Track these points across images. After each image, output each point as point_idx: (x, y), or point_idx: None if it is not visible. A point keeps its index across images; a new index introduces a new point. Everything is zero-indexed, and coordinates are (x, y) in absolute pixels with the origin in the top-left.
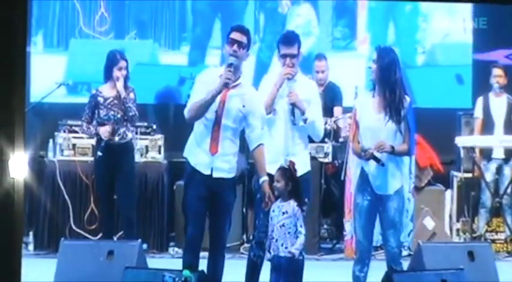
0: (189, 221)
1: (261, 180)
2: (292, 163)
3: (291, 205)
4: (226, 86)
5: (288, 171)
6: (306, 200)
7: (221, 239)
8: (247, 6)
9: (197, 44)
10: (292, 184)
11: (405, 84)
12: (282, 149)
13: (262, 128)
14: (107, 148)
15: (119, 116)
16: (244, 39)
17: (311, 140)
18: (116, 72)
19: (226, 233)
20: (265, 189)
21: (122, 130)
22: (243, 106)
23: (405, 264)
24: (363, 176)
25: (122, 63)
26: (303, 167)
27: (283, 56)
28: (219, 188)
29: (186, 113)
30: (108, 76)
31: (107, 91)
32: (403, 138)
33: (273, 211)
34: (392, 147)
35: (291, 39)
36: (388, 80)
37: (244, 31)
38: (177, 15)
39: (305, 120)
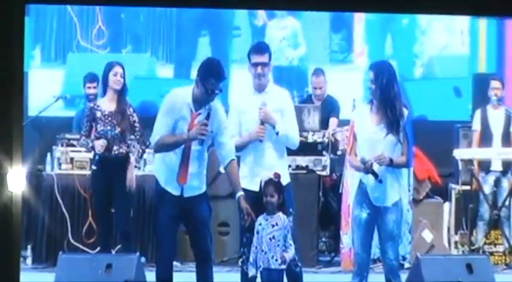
0: (162, 238)
1: (236, 196)
2: (278, 174)
3: (281, 217)
4: (200, 143)
5: (278, 184)
6: (291, 210)
7: (205, 253)
8: (234, 20)
9: (182, 58)
10: (282, 196)
11: (403, 96)
12: (257, 164)
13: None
14: (104, 162)
15: (116, 131)
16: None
17: (307, 153)
18: (111, 77)
19: (209, 245)
20: (242, 205)
21: (118, 145)
22: (211, 131)
23: (404, 277)
24: (361, 188)
25: (117, 68)
26: (284, 179)
27: (255, 65)
28: (191, 205)
29: (154, 145)
30: (105, 87)
31: (105, 105)
32: (402, 150)
33: (260, 224)
34: (391, 160)
35: (261, 48)
36: (388, 96)
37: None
38: (174, 29)
39: (277, 133)
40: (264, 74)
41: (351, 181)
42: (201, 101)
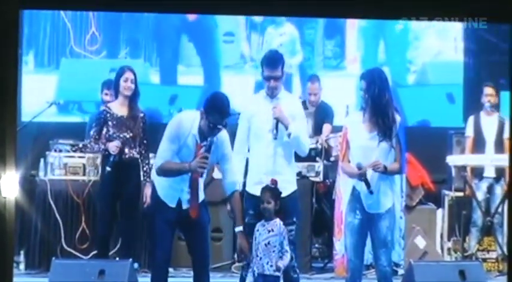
0: (158, 244)
1: (236, 230)
2: (274, 181)
3: (277, 223)
4: (200, 175)
5: (275, 190)
6: (295, 219)
7: (204, 259)
8: (226, 25)
9: (169, 64)
10: (279, 203)
11: (395, 102)
12: (265, 169)
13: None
14: (114, 165)
15: (127, 136)
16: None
17: (300, 159)
18: (122, 83)
19: (208, 252)
20: (240, 242)
21: (129, 150)
22: (216, 163)
23: None
24: (354, 194)
25: (128, 74)
26: (289, 186)
27: (267, 79)
28: (189, 214)
29: (157, 168)
30: (116, 91)
31: (115, 108)
32: (395, 157)
33: (257, 230)
34: (385, 167)
35: (274, 60)
36: (380, 104)
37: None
38: (165, 35)
39: (289, 135)
40: (276, 87)
41: (343, 188)
42: (206, 133)
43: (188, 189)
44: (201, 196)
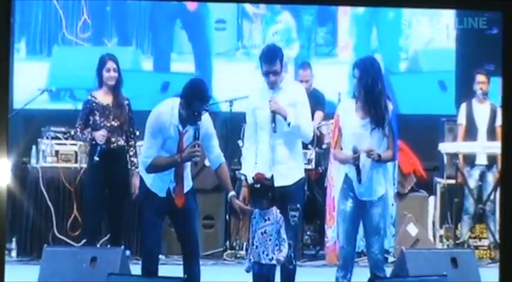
0: (147, 231)
1: (228, 196)
2: (260, 175)
3: (274, 212)
4: (195, 164)
5: (263, 184)
6: (298, 205)
7: (193, 246)
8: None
9: (162, 51)
10: (272, 193)
11: (388, 91)
12: (267, 161)
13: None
14: (102, 154)
15: (115, 124)
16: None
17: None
18: (105, 74)
19: (197, 239)
20: (235, 204)
21: (116, 138)
22: (201, 139)
23: (388, 271)
24: (347, 182)
25: (110, 64)
26: (293, 174)
27: (266, 74)
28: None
29: (147, 166)
30: (100, 81)
31: (101, 97)
32: (388, 144)
33: (254, 218)
34: (379, 155)
35: (272, 55)
36: (372, 93)
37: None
38: (156, 22)
39: (289, 124)
40: (276, 81)
41: (335, 175)
42: (188, 121)
43: (173, 178)
44: (189, 184)
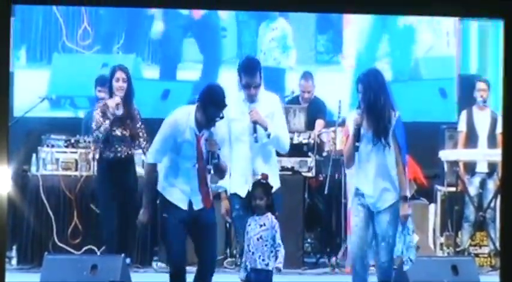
0: (173, 246)
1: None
2: (265, 175)
3: (269, 218)
4: (216, 157)
5: (266, 185)
6: (277, 213)
7: (211, 260)
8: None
9: (168, 59)
10: (271, 198)
11: (392, 101)
12: (247, 171)
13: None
14: (111, 163)
15: (126, 134)
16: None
17: (293, 154)
18: (114, 84)
19: (215, 253)
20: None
21: (124, 147)
22: (219, 149)
23: None
24: (357, 194)
25: (119, 74)
26: (273, 184)
27: (246, 86)
28: (200, 212)
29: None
30: (110, 91)
31: (113, 106)
32: (395, 156)
33: (249, 225)
34: (405, 197)
35: (252, 68)
36: (375, 107)
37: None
38: (161, 30)
39: (268, 135)
40: (256, 94)
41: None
42: (204, 126)
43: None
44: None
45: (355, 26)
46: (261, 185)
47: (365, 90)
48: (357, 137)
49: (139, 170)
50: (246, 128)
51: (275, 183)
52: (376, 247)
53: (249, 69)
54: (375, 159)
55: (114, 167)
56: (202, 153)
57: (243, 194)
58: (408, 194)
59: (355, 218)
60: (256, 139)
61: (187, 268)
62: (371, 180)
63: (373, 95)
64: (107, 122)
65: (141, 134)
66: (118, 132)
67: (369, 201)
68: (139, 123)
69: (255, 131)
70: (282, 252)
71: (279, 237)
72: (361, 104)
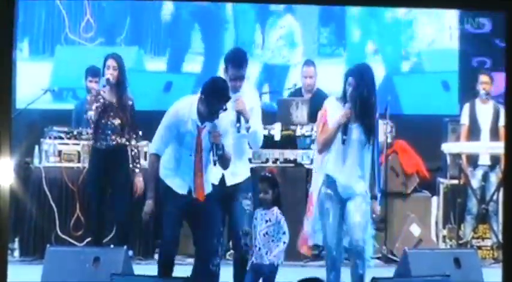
0: (165, 233)
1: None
2: (271, 170)
3: (274, 213)
4: (221, 148)
5: (271, 179)
6: (250, 194)
7: (208, 252)
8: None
9: (175, 50)
10: (277, 191)
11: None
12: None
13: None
14: (102, 153)
15: (116, 123)
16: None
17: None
18: (105, 71)
19: (214, 243)
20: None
21: (116, 137)
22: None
23: (391, 271)
24: (328, 181)
25: (109, 62)
26: (244, 172)
27: (232, 78)
28: (199, 202)
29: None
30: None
31: (107, 94)
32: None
33: (255, 219)
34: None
35: (240, 60)
36: (367, 103)
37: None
38: (162, 22)
39: (248, 129)
40: (241, 86)
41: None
42: (206, 118)
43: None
44: (209, 188)
45: (355, 18)
46: (266, 178)
47: (357, 84)
48: (344, 130)
49: (143, 162)
50: (229, 119)
51: (247, 172)
52: (348, 232)
53: (237, 61)
54: (354, 152)
55: (105, 156)
56: (201, 145)
57: (216, 182)
58: (378, 194)
59: (326, 205)
60: (239, 129)
61: (188, 260)
62: (348, 170)
63: (367, 90)
64: (99, 103)
65: (130, 123)
66: (108, 120)
67: (339, 188)
68: (131, 113)
69: (238, 120)
70: (280, 247)
71: (283, 231)
72: (351, 99)
